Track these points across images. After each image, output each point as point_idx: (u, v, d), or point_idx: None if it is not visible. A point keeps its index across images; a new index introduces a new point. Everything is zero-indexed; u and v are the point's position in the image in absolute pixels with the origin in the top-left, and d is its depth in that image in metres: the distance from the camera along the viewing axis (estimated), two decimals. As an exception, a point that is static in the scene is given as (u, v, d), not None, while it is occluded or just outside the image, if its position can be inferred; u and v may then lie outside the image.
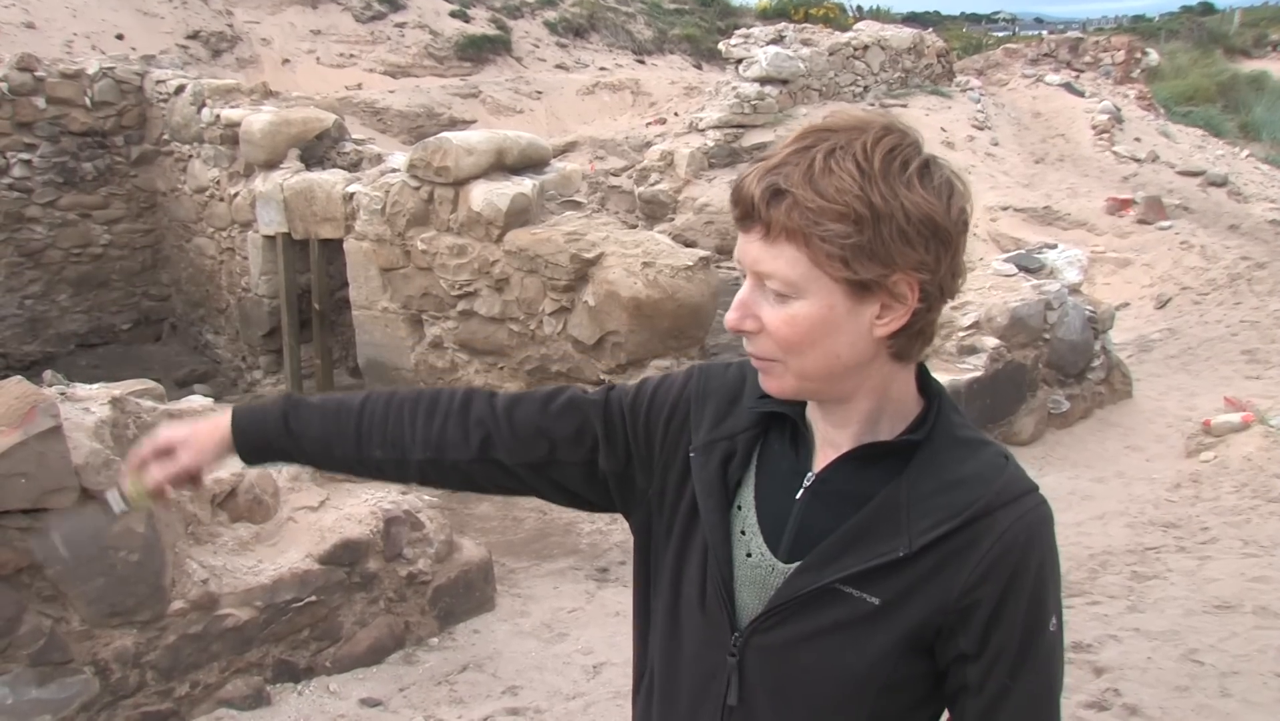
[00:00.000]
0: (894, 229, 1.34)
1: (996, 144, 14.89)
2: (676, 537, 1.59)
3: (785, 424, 1.55)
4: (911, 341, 1.43)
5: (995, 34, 40.86)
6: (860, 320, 1.38)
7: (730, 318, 1.44)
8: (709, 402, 1.62)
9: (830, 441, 1.50)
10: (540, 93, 17.23)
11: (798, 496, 1.49)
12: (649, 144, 14.11)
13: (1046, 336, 7.87)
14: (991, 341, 7.44)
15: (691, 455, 1.58)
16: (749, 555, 1.51)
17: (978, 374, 7.34)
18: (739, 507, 1.53)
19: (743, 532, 1.52)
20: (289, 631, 4.29)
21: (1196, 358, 9.81)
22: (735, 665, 1.51)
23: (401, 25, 18.54)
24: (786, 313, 1.38)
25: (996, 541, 1.39)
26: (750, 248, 1.40)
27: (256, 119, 8.64)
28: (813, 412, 1.52)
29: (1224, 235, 12.72)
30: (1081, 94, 17.21)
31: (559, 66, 19.19)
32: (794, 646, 1.46)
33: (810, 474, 1.50)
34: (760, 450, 1.55)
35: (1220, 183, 14.73)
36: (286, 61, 16.43)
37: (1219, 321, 10.64)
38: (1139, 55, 18.92)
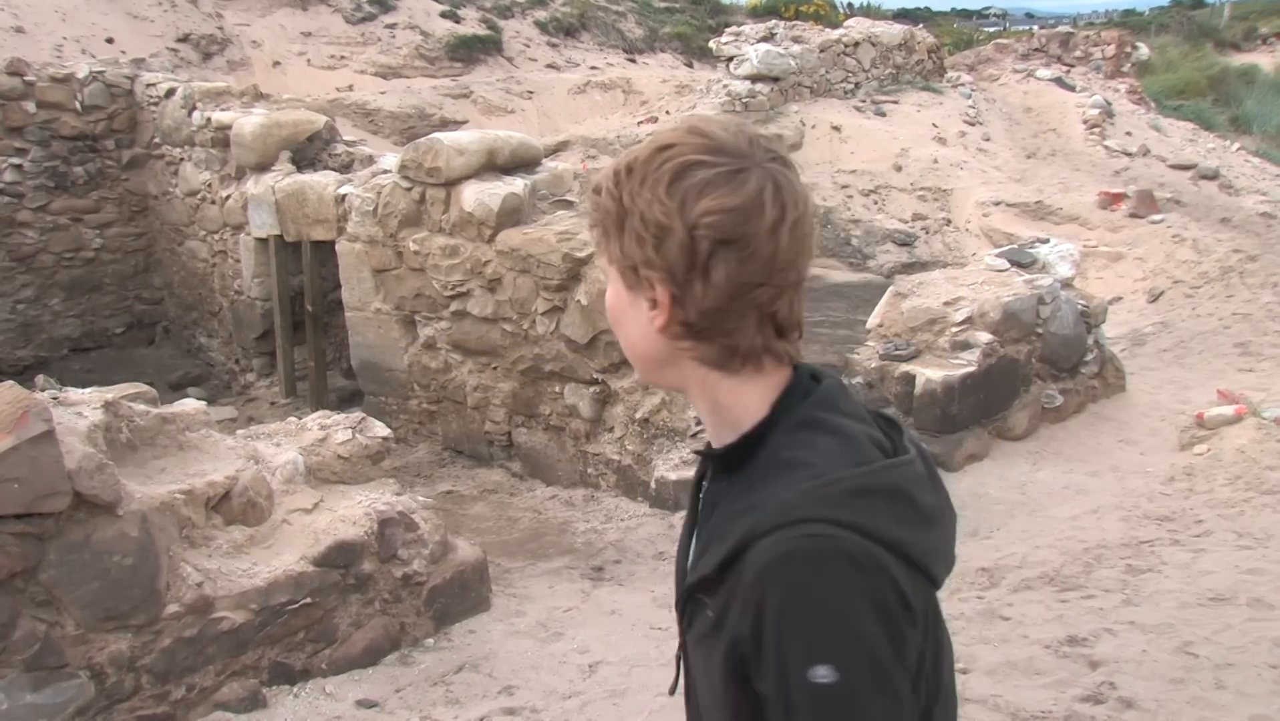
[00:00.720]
0: (631, 227, 1.40)
1: (988, 139, 14.90)
2: None
3: None
4: (703, 347, 1.43)
5: (986, 29, 40.93)
6: (640, 312, 1.44)
7: None
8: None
9: None
10: (531, 92, 17.22)
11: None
12: (640, 142, 14.10)
13: (1039, 331, 7.88)
14: (984, 337, 7.44)
15: None
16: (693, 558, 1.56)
17: (971, 369, 7.34)
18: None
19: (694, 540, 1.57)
20: (284, 634, 4.29)
21: (1189, 351, 9.82)
22: (678, 658, 1.60)
23: (392, 26, 18.52)
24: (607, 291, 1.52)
25: (747, 576, 1.33)
26: None
27: (247, 121, 8.63)
28: None
29: (1216, 228, 12.74)
30: (1072, 88, 17.23)
31: (550, 66, 19.18)
32: (693, 648, 1.49)
33: (707, 480, 1.55)
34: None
35: (1211, 176, 14.75)
36: (277, 64, 16.41)
37: (1211, 314, 10.66)
38: (1129, 49, 18.95)
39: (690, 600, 1.46)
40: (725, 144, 1.40)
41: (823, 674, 1.27)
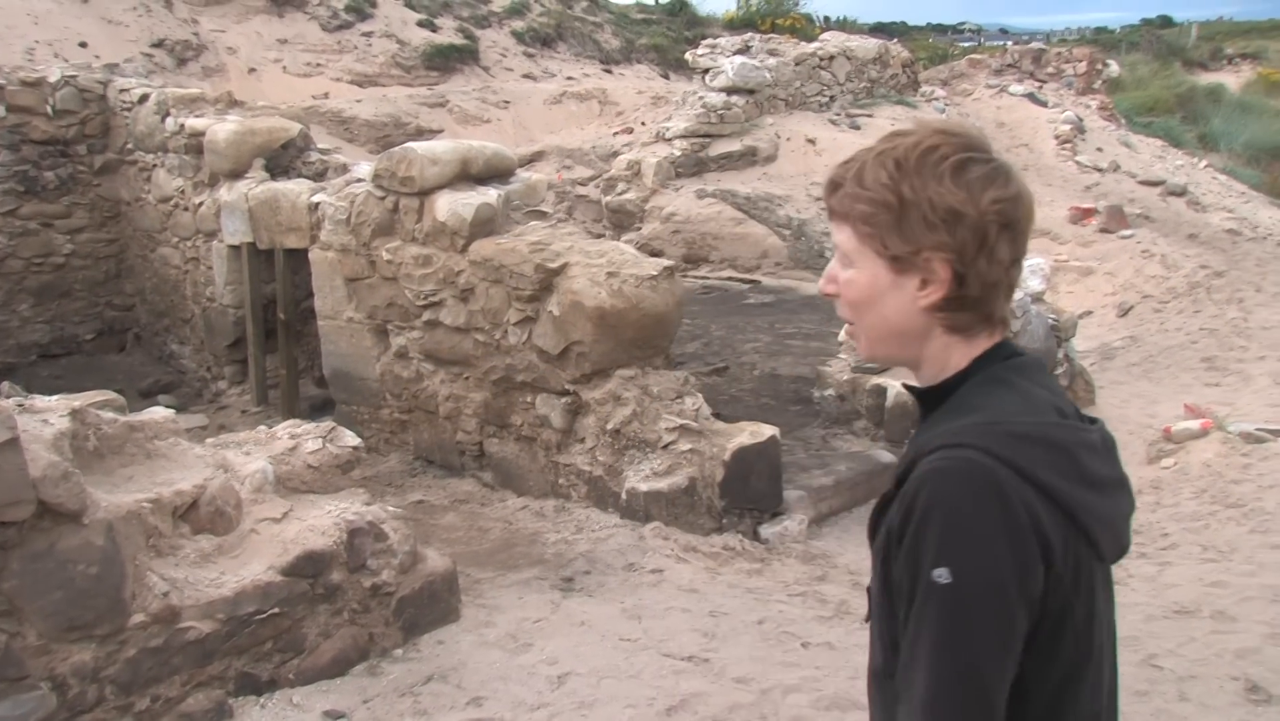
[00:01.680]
0: (919, 215, 1.61)
1: (961, 153, 14.98)
2: None
3: None
4: (962, 316, 1.66)
5: (961, 44, 41.19)
6: (904, 291, 1.65)
7: (821, 284, 1.79)
8: None
9: None
10: (508, 102, 17.23)
11: None
12: (616, 153, 14.13)
13: (1010, 345, 7.93)
14: (955, 350, 7.49)
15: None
16: None
17: (942, 382, 7.38)
18: None
19: None
20: (251, 643, 4.27)
21: (1157, 365, 9.92)
22: (868, 592, 1.80)
23: (368, 34, 18.51)
24: (846, 275, 1.70)
25: (909, 486, 1.56)
26: (832, 227, 1.73)
27: (221, 128, 8.59)
28: None
29: (1183, 244, 12.87)
30: (1044, 104, 17.37)
31: (526, 76, 19.21)
32: (873, 575, 1.72)
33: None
34: None
35: (1180, 192, 14.89)
36: (253, 70, 16.36)
37: (1179, 329, 10.77)
38: (1100, 66, 19.13)
39: (877, 522, 1.69)
40: (979, 142, 1.65)
41: (941, 575, 1.48)
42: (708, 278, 12.34)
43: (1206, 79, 26.25)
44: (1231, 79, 27.05)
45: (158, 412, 4.77)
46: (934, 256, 1.61)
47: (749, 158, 13.57)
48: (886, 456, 7.09)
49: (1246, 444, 7.64)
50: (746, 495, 6.11)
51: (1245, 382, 9.26)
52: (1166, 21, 43.89)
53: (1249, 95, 24.96)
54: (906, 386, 1.81)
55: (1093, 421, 1.73)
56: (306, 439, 5.28)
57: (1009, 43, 35.22)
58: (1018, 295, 8.08)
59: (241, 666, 4.25)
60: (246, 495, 4.65)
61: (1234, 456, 7.48)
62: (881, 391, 7.40)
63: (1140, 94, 22.30)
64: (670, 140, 13.70)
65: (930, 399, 1.71)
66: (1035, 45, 22.07)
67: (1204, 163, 17.70)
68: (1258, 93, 25.75)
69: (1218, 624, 5.05)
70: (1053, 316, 8.46)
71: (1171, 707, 4.33)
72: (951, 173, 1.60)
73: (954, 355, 1.69)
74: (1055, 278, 11.56)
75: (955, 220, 1.60)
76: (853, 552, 6.09)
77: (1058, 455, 1.57)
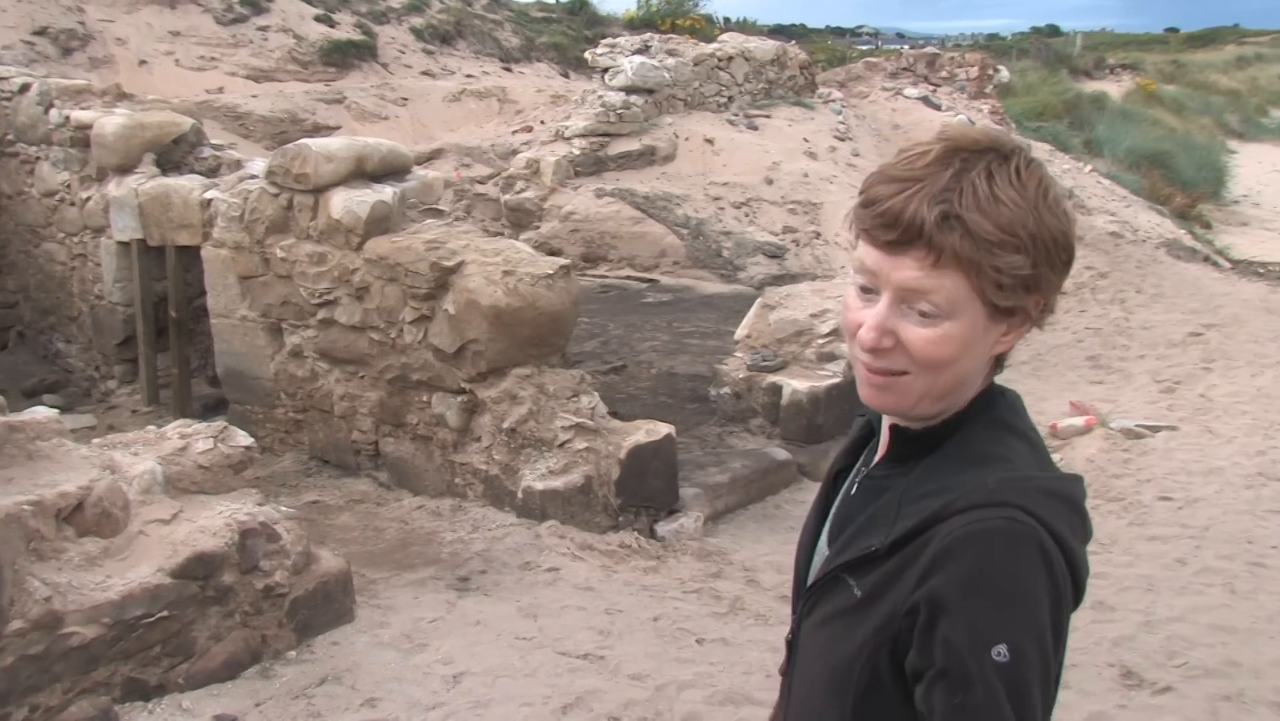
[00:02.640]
0: (1045, 256, 1.40)
1: (858, 155, 15.22)
2: None
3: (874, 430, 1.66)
4: (1010, 352, 1.51)
5: (859, 47, 41.79)
6: (990, 338, 1.45)
7: (868, 336, 1.43)
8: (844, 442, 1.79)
9: (886, 439, 1.59)
10: (406, 99, 17.07)
11: (853, 491, 1.61)
12: (515, 152, 14.09)
13: (902, 344, 8.09)
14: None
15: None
16: (818, 547, 1.65)
17: (836, 380, 7.52)
18: (834, 508, 1.67)
19: (826, 526, 1.65)
20: (139, 648, 4.20)
21: (1046, 364, 10.19)
22: (789, 642, 1.67)
23: (264, 29, 18.18)
24: (936, 332, 1.41)
25: (936, 546, 1.36)
26: (903, 270, 1.40)
27: (109, 122, 8.40)
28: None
29: (1071, 246, 13.20)
30: (938, 107, 17.69)
31: (425, 73, 19.04)
32: (816, 630, 1.55)
33: (864, 469, 1.62)
34: (865, 458, 1.67)
35: (1067, 196, 15.28)
36: (143, 63, 15.98)
37: (1066, 329, 11.06)
38: (991, 72, 19.54)
39: (827, 581, 1.51)
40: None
41: (1000, 652, 1.31)
42: (606, 276, 12.37)
43: (1091, 87, 27.03)
44: (1113, 88, 27.93)
45: (40, 412, 4.67)
46: (1044, 296, 1.43)
47: (648, 157, 13.63)
48: (782, 454, 7.19)
49: (1127, 439, 7.90)
50: (642, 493, 6.16)
51: (1127, 380, 9.57)
52: (1054, 30, 45.19)
53: (1130, 104, 25.79)
54: (896, 428, 1.55)
55: None
56: (197, 439, 5.20)
57: (905, 46, 35.87)
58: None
59: (128, 671, 4.17)
60: (135, 496, 4.57)
61: (1115, 452, 7.73)
62: (777, 389, 7.51)
63: (1029, 99, 22.87)
64: (569, 139, 13.70)
65: (922, 441, 1.51)
66: (930, 50, 22.47)
67: (1089, 167, 18.20)
68: (1137, 102, 26.63)
69: (1097, 613, 5.22)
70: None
71: (1052, 695, 4.46)
72: (1057, 200, 1.41)
73: (971, 392, 1.51)
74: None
75: (1068, 256, 1.42)
76: (748, 549, 6.18)
77: (1073, 513, 1.44)
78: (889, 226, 1.40)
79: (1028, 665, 1.32)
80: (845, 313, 1.50)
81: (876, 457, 1.59)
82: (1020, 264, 1.38)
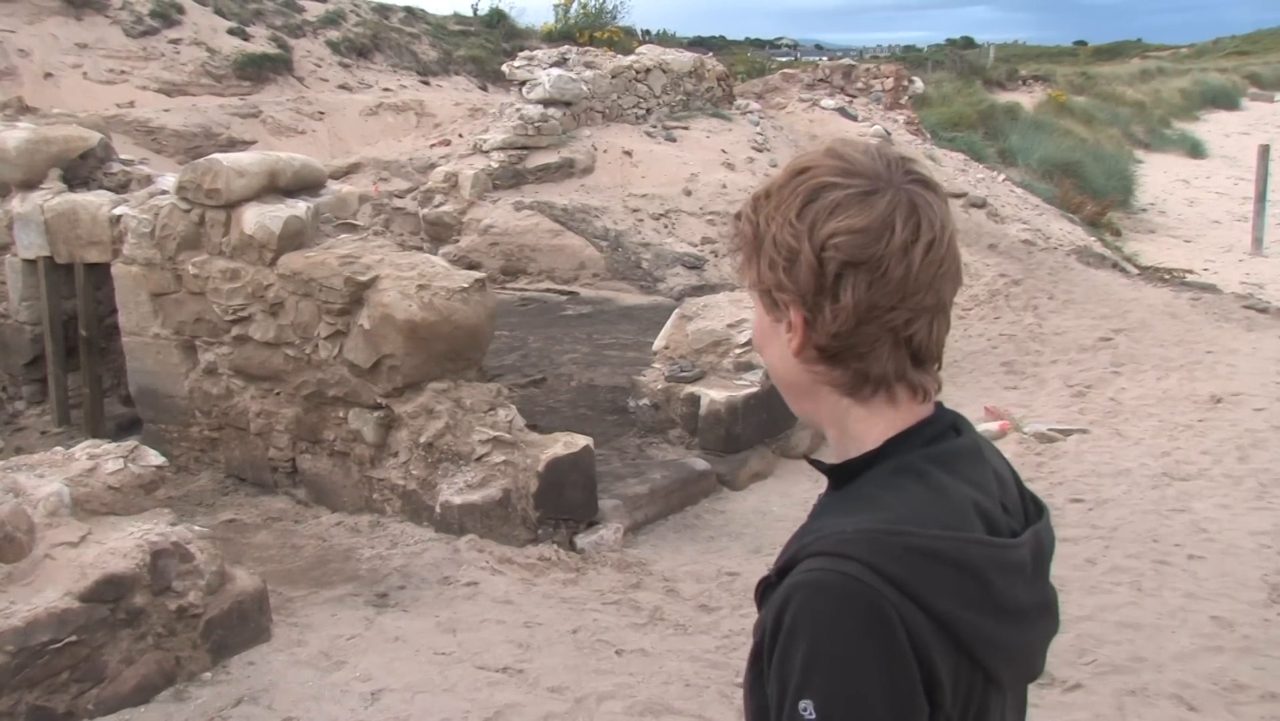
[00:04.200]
0: (767, 252, 1.41)
1: (775, 165, 15.37)
2: None
3: None
4: (835, 371, 1.42)
5: (778, 59, 42.20)
6: (780, 336, 1.44)
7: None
8: None
9: None
10: (323, 113, 16.93)
11: None
12: (433, 165, 14.03)
13: (818, 352, 8.17)
14: (766, 358, 7.68)
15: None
16: None
17: (754, 390, 7.58)
18: None
19: None
20: (45, 675, 4.12)
21: (962, 370, 10.35)
22: None
23: (176, 41, 17.91)
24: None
25: (776, 592, 1.34)
26: None
27: (11, 136, 8.23)
28: None
29: (984, 254, 13.46)
30: (855, 118, 17.94)
31: (342, 87, 18.89)
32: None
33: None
34: None
35: (981, 204, 15.57)
36: (49, 75, 15.67)
37: (981, 335, 11.26)
38: (906, 83, 19.86)
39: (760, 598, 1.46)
40: (861, 166, 1.39)
41: (805, 708, 1.25)
42: (526, 289, 12.36)
43: (1004, 98, 27.57)
44: (1026, 99, 28.51)
45: (-58, 436, 4.57)
46: (784, 298, 1.41)
47: (566, 169, 13.65)
48: (701, 464, 7.24)
49: (1040, 443, 8.06)
50: (561, 505, 6.16)
51: (1040, 385, 9.75)
52: (969, 42, 46.07)
53: (1042, 114, 26.34)
54: (811, 461, 1.56)
55: (1037, 516, 1.51)
56: (107, 459, 5.11)
57: (823, 58, 36.29)
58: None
59: (34, 700, 4.09)
60: (40, 519, 4.49)
61: (1029, 456, 7.87)
62: (695, 400, 7.55)
63: (945, 110, 23.25)
64: (487, 152, 13.68)
65: (837, 477, 1.46)
66: (846, 61, 22.75)
67: (1002, 176, 18.55)
68: (1049, 112, 27.20)
69: (1009, 615, 5.31)
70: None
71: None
72: (801, 203, 1.38)
73: (857, 426, 1.45)
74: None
75: (793, 258, 1.38)
76: (668, 560, 6.20)
77: (965, 579, 1.32)
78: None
79: (828, 716, 1.25)
80: None
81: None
82: (739, 248, 1.48)
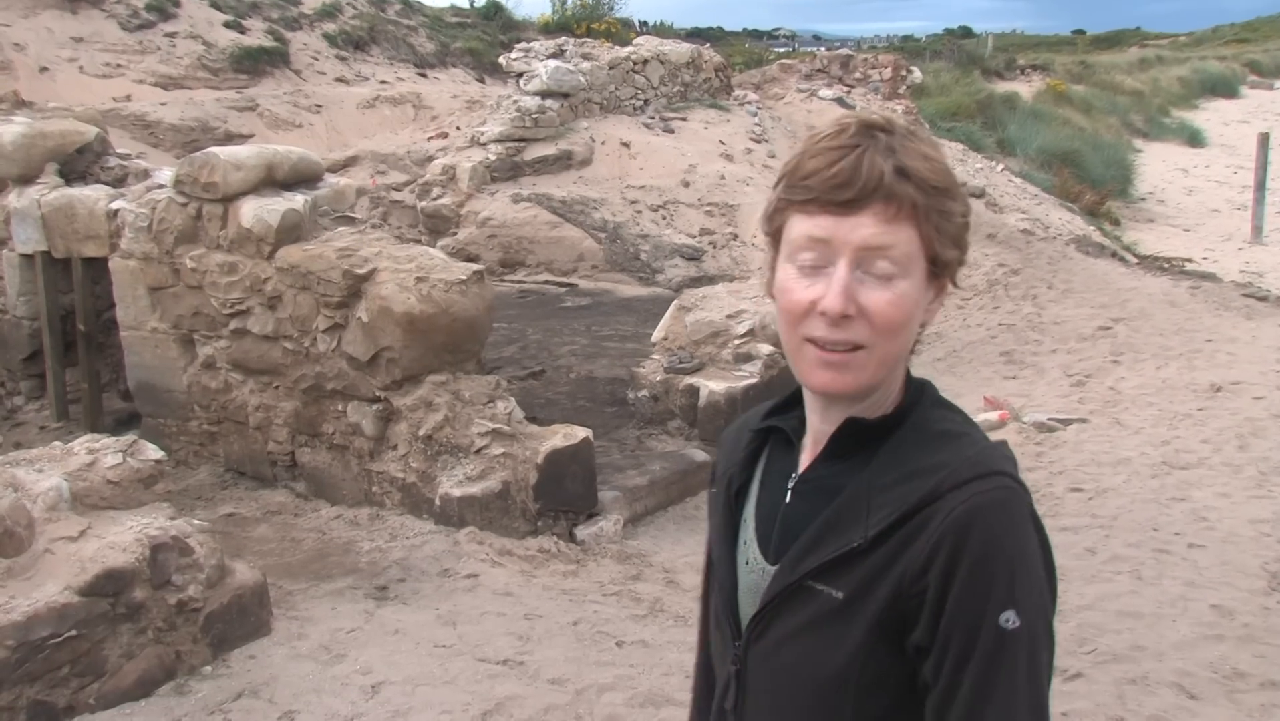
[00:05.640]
0: (962, 215, 1.45)
1: (773, 156, 15.35)
2: (709, 570, 1.72)
3: (781, 437, 1.62)
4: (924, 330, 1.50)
5: (776, 50, 42.14)
6: (923, 304, 1.45)
7: (836, 303, 1.40)
8: (725, 447, 1.72)
9: (820, 440, 1.54)
10: (320, 106, 16.90)
11: (786, 500, 1.55)
12: (431, 158, 14.02)
13: (818, 343, 8.16)
14: (766, 349, 7.69)
15: (712, 491, 1.70)
16: (747, 563, 1.57)
17: (753, 380, 7.58)
18: (744, 522, 1.60)
19: (745, 543, 1.59)
20: (46, 669, 4.11)
21: (961, 360, 10.34)
22: (735, 673, 1.56)
23: (172, 35, 17.90)
24: (894, 293, 1.40)
25: (941, 522, 1.36)
26: (861, 228, 1.39)
27: (7, 130, 8.21)
28: (811, 416, 1.56)
29: (983, 243, 13.43)
30: (853, 108, 17.89)
31: (339, 80, 18.87)
32: (779, 647, 1.48)
33: (795, 475, 1.56)
34: (765, 467, 1.62)
35: (979, 194, 15.55)
36: (45, 70, 15.64)
37: (980, 325, 11.25)
38: (904, 73, 19.82)
39: (788, 595, 1.47)
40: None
41: (1010, 619, 1.33)
42: (524, 282, 12.35)
43: (1003, 87, 27.53)
44: (1024, 88, 28.48)
45: (-60, 431, 4.56)
46: (954, 256, 1.46)
47: (564, 161, 13.64)
48: (700, 455, 7.23)
49: (1039, 433, 8.06)
50: (561, 497, 6.16)
51: (1039, 375, 9.74)
52: (967, 32, 46.03)
53: (1040, 104, 26.31)
54: (854, 420, 1.49)
55: None
56: (105, 453, 5.10)
57: (821, 49, 36.23)
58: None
59: (35, 694, 4.08)
60: (39, 514, 4.48)
61: (1028, 445, 7.87)
62: (694, 391, 7.55)
63: (943, 100, 23.21)
64: (485, 144, 13.66)
65: (873, 432, 1.48)
66: (844, 51, 22.71)
67: (1001, 166, 18.53)
68: (1047, 102, 27.18)
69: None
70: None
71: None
72: (936, 150, 1.45)
73: (898, 379, 1.50)
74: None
75: (962, 212, 1.46)
76: (668, 551, 6.20)
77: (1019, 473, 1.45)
78: (845, 185, 1.39)
79: (1036, 630, 1.35)
80: (786, 297, 1.45)
81: (806, 460, 1.56)
82: (959, 210, 1.44)
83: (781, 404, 1.64)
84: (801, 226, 1.43)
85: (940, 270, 1.44)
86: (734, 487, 1.63)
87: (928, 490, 1.39)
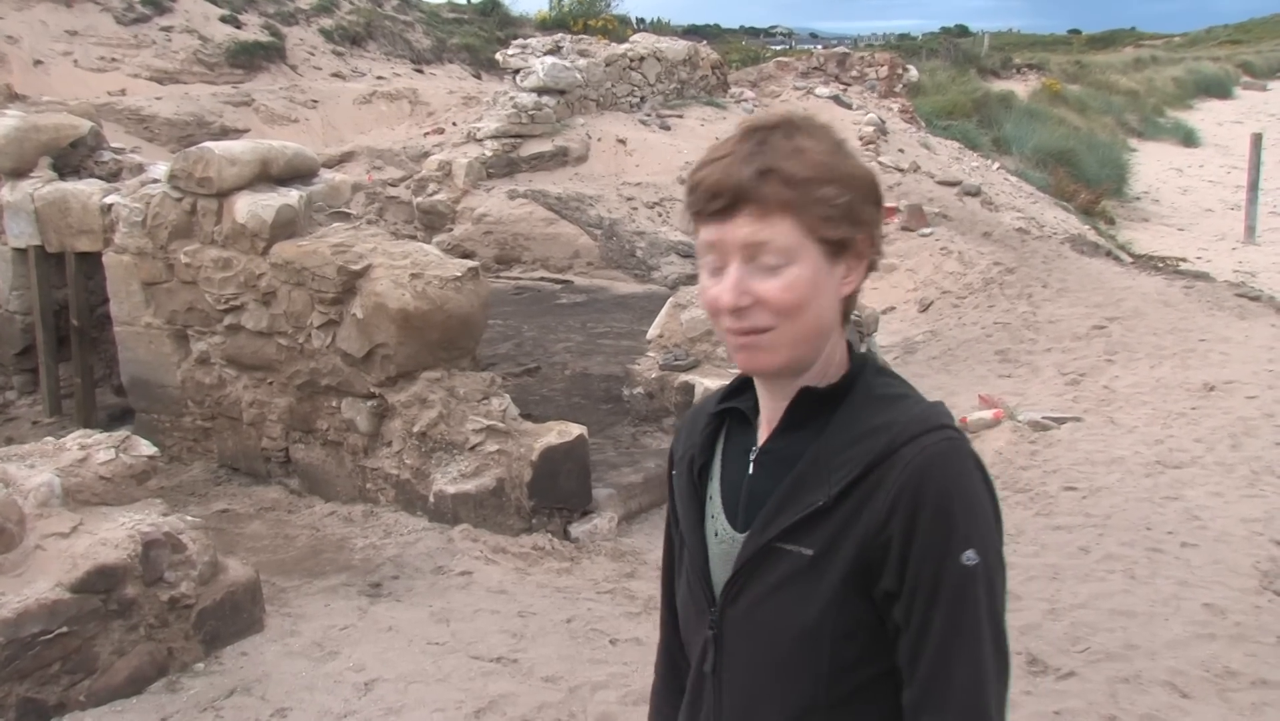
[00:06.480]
0: (856, 189, 1.55)
1: (769, 154, 15.33)
2: (676, 547, 1.84)
3: (739, 416, 1.73)
4: (854, 300, 1.62)
5: (772, 48, 42.11)
6: (833, 281, 1.57)
7: (727, 297, 1.54)
8: (684, 431, 1.85)
9: (774, 416, 1.66)
10: (316, 101, 16.88)
11: (749, 472, 1.68)
12: (427, 154, 14.00)
13: (812, 341, 8.15)
14: (760, 347, 7.66)
15: (673, 474, 1.82)
16: (716, 535, 1.70)
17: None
18: (710, 498, 1.73)
19: (712, 517, 1.72)
20: (36, 666, 4.10)
21: (956, 358, 10.34)
22: (713, 637, 1.68)
23: (168, 29, 17.86)
24: (784, 279, 1.53)
25: (899, 475, 1.50)
26: (738, 229, 1.53)
27: (0, 124, 8.19)
28: (762, 396, 1.68)
29: (979, 242, 13.45)
30: (849, 106, 17.92)
31: (335, 75, 18.84)
32: (755, 609, 1.61)
33: (755, 448, 1.68)
34: (724, 446, 1.74)
35: (975, 193, 15.57)
36: (39, 63, 15.60)
37: (975, 323, 11.25)
38: (901, 71, 19.84)
39: (758, 558, 1.60)
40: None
41: (970, 556, 1.48)
42: (520, 278, 12.34)
43: (999, 86, 27.53)
44: (1020, 87, 28.48)
45: (-68, 426, 4.54)
46: (864, 237, 1.57)
47: (560, 158, 13.62)
48: (695, 452, 7.22)
49: (1034, 431, 8.05)
50: (555, 494, 6.15)
51: (1034, 373, 9.75)
52: (963, 31, 46.06)
53: (1036, 103, 26.31)
54: (808, 389, 1.62)
55: None
56: (98, 449, 5.08)
57: (818, 47, 36.22)
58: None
59: (25, 691, 4.07)
60: (30, 510, 4.46)
61: (1022, 444, 7.87)
62: (689, 389, 7.54)
63: (939, 98, 23.22)
64: (481, 141, 13.64)
65: (825, 400, 1.61)
66: (840, 49, 22.72)
67: (997, 165, 18.55)
68: (1043, 101, 27.19)
69: (1004, 603, 5.31)
70: (855, 313, 8.73)
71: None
72: (852, 151, 1.59)
73: (840, 348, 1.63)
74: (858, 275, 11.94)
75: (876, 196, 1.58)
76: (662, 548, 6.19)
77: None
78: (716, 196, 1.54)
79: (993, 564, 1.50)
80: (703, 296, 1.59)
81: (764, 434, 1.67)
82: (836, 193, 1.52)
83: (733, 389, 1.76)
84: (701, 235, 1.58)
85: (841, 247, 1.55)
86: (696, 467, 1.75)
87: (881, 447, 1.52)
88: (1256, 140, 20.11)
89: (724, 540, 1.67)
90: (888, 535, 1.50)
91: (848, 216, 1.53)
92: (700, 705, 1.72)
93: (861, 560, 1.51)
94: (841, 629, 1.54)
